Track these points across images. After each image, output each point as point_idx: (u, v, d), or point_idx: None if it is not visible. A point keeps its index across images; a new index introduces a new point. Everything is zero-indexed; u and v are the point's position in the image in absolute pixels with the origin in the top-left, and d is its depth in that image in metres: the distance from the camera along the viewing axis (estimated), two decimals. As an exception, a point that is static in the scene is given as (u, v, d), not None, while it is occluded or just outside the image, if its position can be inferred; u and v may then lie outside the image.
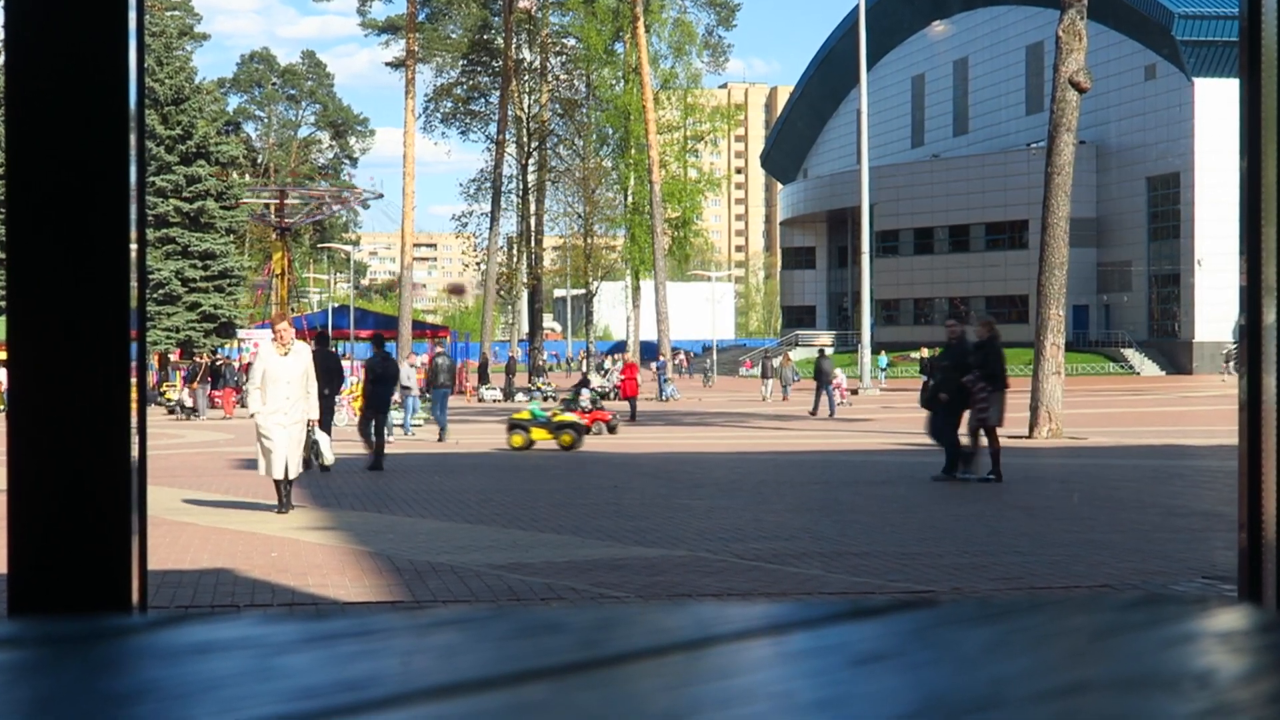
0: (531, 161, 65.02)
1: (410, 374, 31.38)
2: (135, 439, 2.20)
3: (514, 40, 63.03)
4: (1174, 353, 74.10)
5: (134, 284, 2.19)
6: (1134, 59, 75.89)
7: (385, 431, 21.19)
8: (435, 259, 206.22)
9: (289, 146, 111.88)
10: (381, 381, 20.74)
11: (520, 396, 50.21)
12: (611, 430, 28.62)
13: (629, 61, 62.25)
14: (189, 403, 40.35)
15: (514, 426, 24.36)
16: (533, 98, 65.64)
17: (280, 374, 14.66)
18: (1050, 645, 0.92)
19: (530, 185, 65.10)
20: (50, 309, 2.15)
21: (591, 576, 10.17)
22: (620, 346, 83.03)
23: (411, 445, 26.30)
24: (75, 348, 2.15)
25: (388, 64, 69.98)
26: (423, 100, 65.78)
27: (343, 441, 21.94)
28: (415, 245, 66.09)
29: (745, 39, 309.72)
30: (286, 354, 14.82)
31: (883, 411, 38.59)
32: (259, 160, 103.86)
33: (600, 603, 9.08)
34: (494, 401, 49.75)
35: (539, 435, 23.96)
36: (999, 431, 17.31)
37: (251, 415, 14.83)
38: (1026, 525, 13.26)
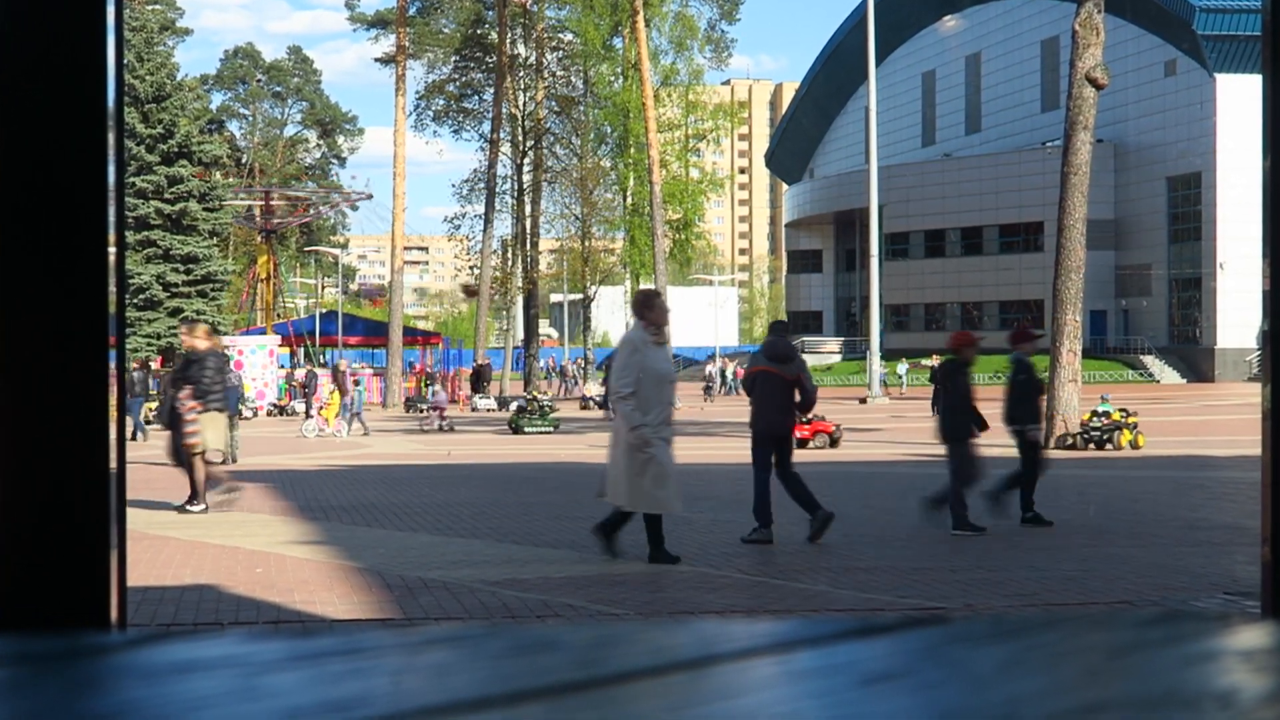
0: (527, 161, 65.05)
1: None
2: (114, 449, 2.20)
3: (508, 35, 63.07)
4: (1195, 360, 74.12)
5: (113, 289, 2.19)
6: (1153, 54, 75.95)
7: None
8: (427, 262, 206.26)
9: (274, 146, 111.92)
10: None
11: (516, 405, 50.23)
12: (834, 443, 27.07)
13: (628, 57, 62.26)
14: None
15: None
16: (528, 95, 65.67)
17: (662, 370, 11.68)
18: (1066, 664, 0.92)
19: (526, 186, 65.13)
20: (25, 315, 2.15)
21: (589, 593, 10.17)
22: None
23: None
24: (52, 355, 2.15)
25: (377, 60, 70.03)
26: (414, 98, 65.97)
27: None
28: (406, 248, 66.09)
29: (749, 34, 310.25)
30: (663, 343, 11.84)
31: (891, 421, 38.59)
32: (243, 160, 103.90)
33: (598, 620, 9.07)
34: (488, 411, 49.82)
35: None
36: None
37: (634, 428, 11.36)
38: (1041, 539, 13.25)
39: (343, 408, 36.95)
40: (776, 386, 13.24)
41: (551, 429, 34.74)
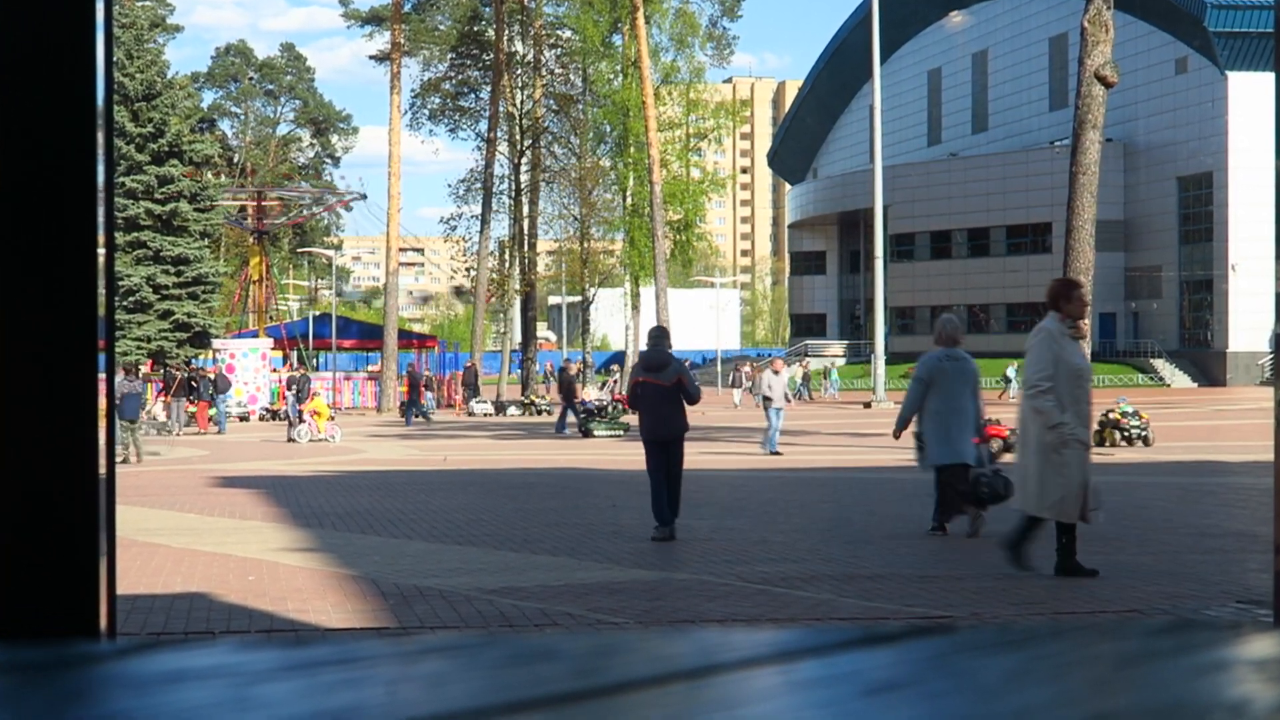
0: (524, 161, 65.03)
1: (776, 382, 28.42)
2: (104, 454, 2.20)
3: (506, 32, 63.06)
4: (1206, 363, 74.12)
5: (102, 291, 2.19)
6: (1164, 51, 75.99)
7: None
8: (423, 264, 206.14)
9: (267, 145, 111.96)
10: None
11: (513, 410, 50.30)
12: (1008, 449, 27.18)
13: (628, 54, 62.28)
14: (162, 417, 40.33)
15: None
16: (526, 93, 65.67)
17: (1079, 365, 10.90)
18: (1075, 673, 0.92)
19: (523, 186, 65.12)
20: (12, 317, 2.15)
21: (588, 601, 10.17)
22: (618, 357, 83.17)
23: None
24: (40, 358, 2.15)
25: (372, 57, 70.08)
26: (409, 96, 65.87)
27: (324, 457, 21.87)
28: (401, 250, 66.06)
29: (751, 31, 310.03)
30: (1080, 337, 11.08)
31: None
32: (235, 159, 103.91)
33: (598, 629, 9.07)
34: (485, 415, 49.84)
35: None
36: None
37: (1053, 426, 10.68)
38: (1049, 547, 13.24)
39: (574, 411, 37.31)
40: (658, 394, 13.96)
41: (622, 432, 35.39)
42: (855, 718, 0.81)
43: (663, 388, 13.98)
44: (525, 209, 65.13)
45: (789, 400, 29.43)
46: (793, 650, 0.95)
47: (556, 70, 67.32)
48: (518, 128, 64.87)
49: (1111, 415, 28.62)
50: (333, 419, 36.28)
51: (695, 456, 26.86)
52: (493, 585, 10.83)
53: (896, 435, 14.56)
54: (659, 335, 14.70)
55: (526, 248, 65.18)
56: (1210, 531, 14.31)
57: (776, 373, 29.17)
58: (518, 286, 65.92)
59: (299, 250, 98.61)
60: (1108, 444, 27.38)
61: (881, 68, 60.13)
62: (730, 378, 57.31)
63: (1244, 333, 71.92)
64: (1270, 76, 70.92)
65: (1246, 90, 71.04)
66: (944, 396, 13.67)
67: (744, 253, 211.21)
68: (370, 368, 65.78)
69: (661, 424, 14.04)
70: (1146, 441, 28.00)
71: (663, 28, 64.19)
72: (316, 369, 60.94)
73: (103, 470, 2.20)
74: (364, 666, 0.91)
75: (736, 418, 46.70)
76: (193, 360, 53.86)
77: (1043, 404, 10.68)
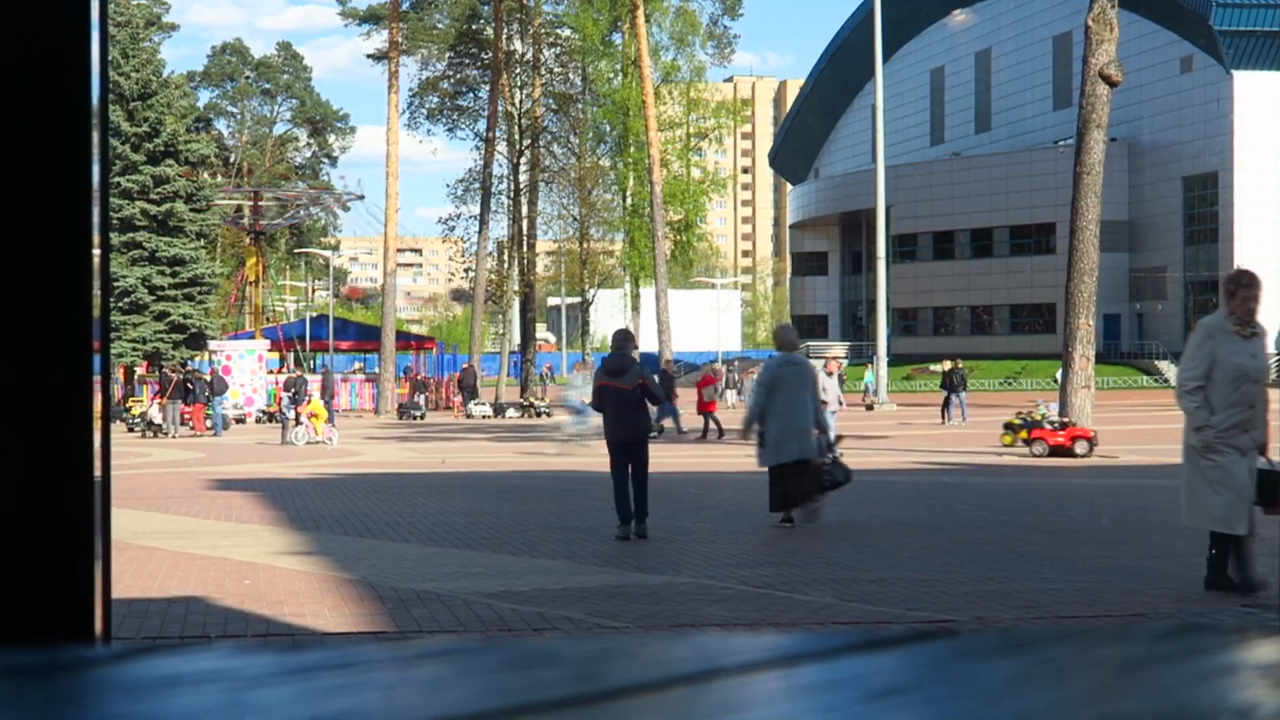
0: (523, 161, 64.99)
1: (831, 384, 26.88)
2: (99, 457, 2.20)
3: (504, 31, 63.03)
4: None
5: (97, 292, 2.19)
6: (1169, 50, 76.00)
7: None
8: (420, 265, 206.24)
9: (263, 145, 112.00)
10: None
11: (512, 412, 50.28)
12: (1090, 450, 25.73)
13: (628, 53, 62.25)
14: (157, 419, 40.28)
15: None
16: (525, 92, 65.63)
17: (1241, 364, 9.94)
18: (1078, 678, 0.92)
19: (522, 186, 65.08)
20: (6, 319, 2.15)
21: (588, 605, 10.17)
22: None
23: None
24: (34, 360, 2.15)
25: (369, 56, 70.03)
26: (407, 95, 65.84)
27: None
28: (399, 250, 66.03)
29: (752, 29, 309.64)
30: (1251, 335, 10.05)
31: (900, 429, 38.58)
32: (231, 159, 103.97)
33: (597, 633, 9.07)
34: (483, 418, 49.83)
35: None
36: None
37: (1198, 429, 10.05)
38: (1053, 550, 13.25)
39: (668, 412, 36.89)
40: (619, 398, 14.27)
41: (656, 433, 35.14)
42: (857, 723, 0.81)
43: (624, 391, 14.20)
44: (524, 209, 65.09)
45: (841, 404, 28.60)
46: (794, 655, 0.95)
47: (556, 69, 67.30)
48: (516, 127, 64.83)
49: (1029, 417, 26.87)
50: (330, 421, 36.25)
51: (699, 460, 26.90)
52: (491, 589, 10.82)
53: (745, 436, 15.61)
54: (622, 339, 14.91)
55: (525, 248, 65.15)
56: (1216, 535, 14.29)
57: (830, 374, 27.93)
58: (516, 287, 65.90)
59: (296, 251, 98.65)
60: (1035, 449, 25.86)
61: (884, 67, 60.14)
62: (727, 379, 57.41)
63: (1249, 334, 71.83)
64: (1276, 75, 70.97)
65: (1252, 89, 71.07)
66: (787, 399, 14.68)
67: (745, 253, 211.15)
68: (357, 366, 65.79)
69: (623, 427, 14.33)
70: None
71: (663, 26, 64.15)
72: (314, 370, 60.90)
73: (98, 473, 2.19)
74: (361, 671, 0.91)
75: (735, 419, 46.71)
76: (188, 362, 53.83)
77: (1186, 404, 10.06)
